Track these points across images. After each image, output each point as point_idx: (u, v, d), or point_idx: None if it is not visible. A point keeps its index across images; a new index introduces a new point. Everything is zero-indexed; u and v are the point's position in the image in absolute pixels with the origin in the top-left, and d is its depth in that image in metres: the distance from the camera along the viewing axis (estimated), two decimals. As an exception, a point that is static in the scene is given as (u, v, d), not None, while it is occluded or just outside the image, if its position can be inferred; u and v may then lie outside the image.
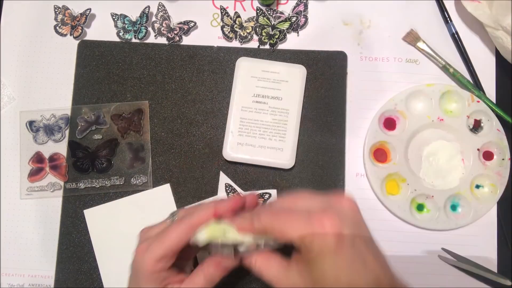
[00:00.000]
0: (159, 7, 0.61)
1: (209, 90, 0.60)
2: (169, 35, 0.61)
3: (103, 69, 0.61)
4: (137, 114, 0.59)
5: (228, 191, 0.58)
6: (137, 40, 0.61)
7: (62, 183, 0.59)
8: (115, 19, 0.62)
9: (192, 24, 0.61)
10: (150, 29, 0.62)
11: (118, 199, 0.58)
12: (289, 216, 0.37)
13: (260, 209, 0.41)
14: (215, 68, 0.61)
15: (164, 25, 0.61)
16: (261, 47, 0.61)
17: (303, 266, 0.37)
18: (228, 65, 0.61)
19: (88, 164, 0.59)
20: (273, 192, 0.58)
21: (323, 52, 0.61)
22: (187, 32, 0.61)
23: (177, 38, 0.61)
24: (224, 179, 0.58)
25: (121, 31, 0.61)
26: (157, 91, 0.60)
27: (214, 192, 0.58)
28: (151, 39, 0.62)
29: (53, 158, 0.59)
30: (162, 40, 0.62)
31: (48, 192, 0.59)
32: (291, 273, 0.38)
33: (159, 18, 0.61)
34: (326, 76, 0.60)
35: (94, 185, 0.58)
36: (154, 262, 0.41)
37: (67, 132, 0.60)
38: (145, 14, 0.61)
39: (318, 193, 0.39)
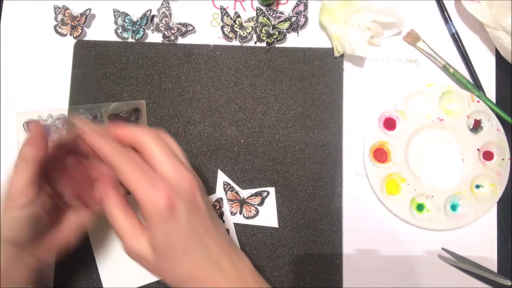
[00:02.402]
0: (164, 3, 0.61)
1: (206, 88, 0.60)
2: (166, 33, 0.61)
3: (100, 69, 0.61)
4: (134, 113, 0.59)
5: (226, 189, 0.58)
6: (133, 40, 0.61)
7: None
8: (116, 16, 0.62)
9: (190, 27, 0.61)
10: (148, 31, 0.62)
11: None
12: (139, 177, 0.37)
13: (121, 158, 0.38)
14: (212, 66, 0.61)
15: (163, 21, 0.61)
16: (258, 44, 0.61)
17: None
18: (225, 64, 0.61)
19: None
20: (271, 190, 0.58)
21: (320, 49, 0.61)
22: (184, 34, 0.61)
23: (173, 38, 0.61)
24: (222, 177, 0.58)
25: (120, 28, 0.61)
26: (154, 90, 0.60)
27: (212, 190, 0.58)
28: (148, 38, 0.62)
29: None
30: (158, 37, 0.62)
31: None
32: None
33: (160, 13, 0.61)
34: (323, 73, 0.60)
35: None
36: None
37: (64, 132, 0.60)
38: (146, 17, 0.61)
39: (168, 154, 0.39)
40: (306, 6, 0.62)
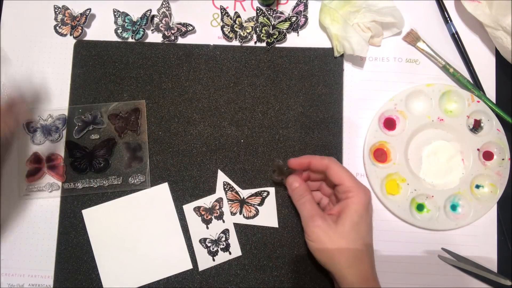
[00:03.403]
0: (164, 3, 0.61)
1: (205, 88, 0.60)
2: (166, 33, 0.61)
3: (100, 69, 0.61)
4: (134, 113, 0.59)
5: (226, 189, 0.58)
6: (133, 40, 0.61)
7: (60, 183, 0.59)
8: (117, 16, 0.62)
9: (190, 28, 0.61)
10: (148, 31, 0.62)
11: (116, 198, 0.58)
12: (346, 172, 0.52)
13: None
14: (212, 66, 0.61)
15: (163, 21, 0.61)
16: (258, 44, 0.61)
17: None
18: (225, 63, 0.61)
19: (86, 164, 0.59)
20: (271, 190, 0.58)
21: (320, 49, 0.61)
22: (184, 34, 0.61)
23: (173, 38, 0.61)
24: (222, 177, 0.58)
25: (120, 28, 0.61)
26: (154, 90, 0.60)
27: (212, 190, 0.58)
28: (148, 38, 0.62)
29: (50, 158, 0.59)
30: (158, 37, 0.62)
31: (46, 192, 0.59)
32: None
33: (160, 13, 0.61)
34: (323, 73, 0.60)
35: (92, 185, 0.58)
36: None
37: (64, 132, 0.60)
38: (146, 17, 0.61)
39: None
40: (306, 6, 0.62)
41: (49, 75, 0.61)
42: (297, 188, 0.53)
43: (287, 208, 0.58)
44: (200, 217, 0.58)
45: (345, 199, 0.50)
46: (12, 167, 0.59)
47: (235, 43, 0.61)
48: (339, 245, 0.48)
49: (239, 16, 0.61)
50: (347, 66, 0.61)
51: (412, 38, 0.61)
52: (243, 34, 0.61)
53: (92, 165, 0.59)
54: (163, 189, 0.58)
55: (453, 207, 0.58)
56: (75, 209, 0.58)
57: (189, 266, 0.57)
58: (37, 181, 0.59)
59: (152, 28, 0.62)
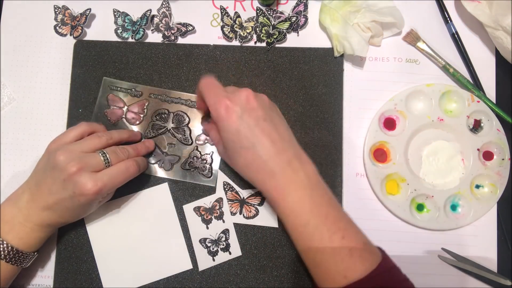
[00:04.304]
0: (164, 3, 0.61)
1: (207, 89, 0.60)
2: (166, 33, 0.61)
3: (100, 69, 0.61)
4: None
5: (226, 189, 0.58)
6: (133, 40, 0.61)
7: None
8: (117, 16, 0.62)
9: (190, 28, 0.61)
10: (148, 31, 0.62)
11: (116, 198, 0.58)
12: (211, 90, 0.51)
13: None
14: (212, 66, 0.61)
15: (163, 21, 0.61)
16: (258, 44, 0.61)
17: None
18: (225, 63, 0.61)
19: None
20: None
21: (320, 49, 0.61)
22: (184, 34, 0.61)
23: (173, 38, 0.61)
24: (222, 177, 0.58)
25: (120, 28, 0.61)
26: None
27: (212, 190, 0.58)
28: (148, 38, 0.62)
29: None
30: (158, 37, 0.62)
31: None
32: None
33: (160, 13, 0.61)
34: (323, 73, 0.60)
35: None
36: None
37: None
38: (146, 17, 0.61)
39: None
40: (306, 6, 0.61)
41: (49, 75, 0.61)
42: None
43: (287, 208, 0.58)
44: (200, 217, 0.58)
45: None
46: (14, 166, 0.59)
47: (235, 43, 0.61)
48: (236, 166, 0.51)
49: (239, 16, 0.61)
50: (347, 66, 0.61)
51: (412, 38, 0.61)
52: (243, 34, 0.61)
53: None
54: (163, 189, 0.58)
55: (453, 207, 0.58)
56: (75, 209, 0.58)
57: (189, 266, 0.57)
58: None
59: (152, 28, 0.62)
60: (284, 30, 0.61)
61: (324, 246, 0.45)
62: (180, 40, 0.62)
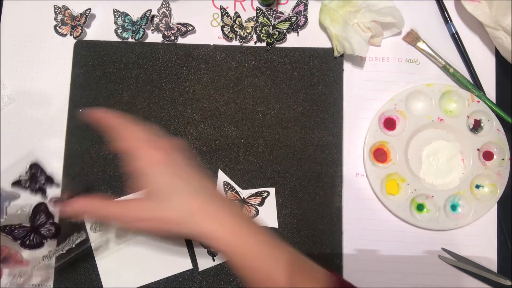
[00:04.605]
0: (164, 3, 0.61)
1: (206, 88, 0.60)
2: (166, 33, 0.61)
3: (100, 69, 0.61)
4: (33, 166, 0.54)
5: (226, 189, 0.58)
6: (133, 40, 0.61)
7: (28, 268, 0.55)
8: (117, 16, 0.62)
9: (190, 28, 0.61)
10: (148, 31, 0.62)
11: (116, 199, 0.58)
12: (132, 130, 0.47)
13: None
14: (212, 66, 0.61)
15: (163, 21, 0.61)
16: (258, 44, 0.61)
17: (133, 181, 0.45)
18: (225, 63, 0.61)
19: (37, 237, 0.54)
20: (272, 190, 0.58)
21: (320, 49, 0.61)
22: (184, 34, 0.61)
23: (173, 38, 0.61)
24: (222, 177, 0.58)
25: (120, 28, 0.61)
26: (154, 90, 0.60)
27: (212, 190, 0.58)
28: (148, 38, 0.62)
29: None
30: (158, 37, 0.62)
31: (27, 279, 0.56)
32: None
33: (160, 13, 0.61)
34: (323, 73, 0.60)
35: (61, 252, 0.54)
36: None
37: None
38: (146, 17, 0.61)
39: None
40: (306, 6, 0.61)
41: (49, 75, 0.61)
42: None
43: (287, 208, 0.58)
44: (200, 217, 0.58)
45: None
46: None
47: (235, 43, 0.61)
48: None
49: (239, 16, 0.61)
50: (347, 66, 0.61)
51: (412, 38, 0.61)
52: (243, 34, 0.61)
53: (43, 235, 0.54)
54: (163, 189, 0.58)
55: (453, 207, 0.58)
56: (75, 209, 0.58)
57: (189, 266, 0.57)
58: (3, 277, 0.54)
59: (152, 28, 0.62)
60: (284, 30, 0.61)
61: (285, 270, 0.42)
62: (180, 40, 0.62)
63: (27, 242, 0.54)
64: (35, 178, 0.53)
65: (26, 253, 0.54)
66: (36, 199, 0.54)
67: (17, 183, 0.53)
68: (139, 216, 0.44)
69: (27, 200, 0.54)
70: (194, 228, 0.43)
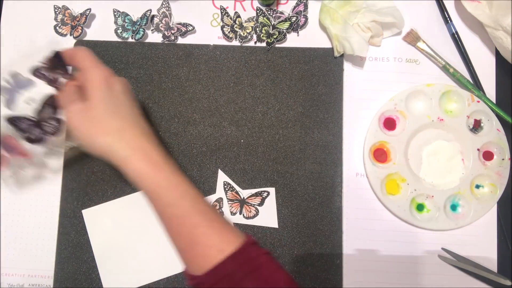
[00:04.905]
0: (164, 3, 0.61)
1: (206, 88, 0.60)
2: (166, 33, 0.61)
3: (100, 68, 0.61)
4: (56, 59, 0.52)
5: (226, 189, 0.58)
6: (133, 40, 0.61)
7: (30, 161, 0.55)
8: (116, 16, 0.62)
9: (190, 28, 0.61)
10: (148, 31, 0.62)
11: (116, 198, 0.58)
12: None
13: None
14: (212, 66, 0.61)
15: (163, 22, 0.61)
16: (258, 44, 0.61)
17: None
18: (225, 63, 0.61)
19: (41, 132, 0.53)
20: (271, 190, 0.58)
21: (320, 49, 0.61)
22: (184, 34, 0.61)
23: (173, 38, 0.61)
24: (222, 177, 0.58)
25: (120, 28, 0.61)
26: (154, 90, 0.60)
27: (212, 190, 0.58)
28: (148, 38, 0.62)
29: (3, 142, 0.54)
30: (158, 37, 0.62)
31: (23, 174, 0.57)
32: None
33: (160, 13, 0.61)
34: (323, 73, 0.60)
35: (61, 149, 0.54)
36: None
37: None
38: (146, 17, 0.61)
39: None
40: (306, 6, 0.61)
41: (49, 75, 0.61)
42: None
43: (287, 208, 0.58)
44: (200, 217, 0.58)
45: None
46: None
47: (235, 43, 0.61)
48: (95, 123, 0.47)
49: (239, 16, 0.61)
50: (347, 66, 0.61)
51: (412, 38, 0.61)
52: (243, 34, 0.61)
53: (46, 131, 0.53)
54: (163, 189, 0.58)
55: (453, 207, 0.58)
56: (75, 209, 0.58)
57: (189, 266, 0.57)
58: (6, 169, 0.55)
59: (152, 28, 0.62)
60: (284, 30, 0.61)
61: (201, 220, 0.45)
62: (180, 40, 0.62)
63: (30, 135, 0.53)
64: (55, 66, 0.51)
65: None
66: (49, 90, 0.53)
67: (36, 71, 0.51)
68: (71, 108, 0.47)
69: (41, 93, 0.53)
70: (108, 147, 0.46)
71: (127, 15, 0.62)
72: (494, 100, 0.60)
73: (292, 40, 0.61)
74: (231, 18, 0.61)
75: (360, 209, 0.58)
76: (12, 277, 0.58)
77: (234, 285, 0.42)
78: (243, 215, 0.58)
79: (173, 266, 0.57)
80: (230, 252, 0.43)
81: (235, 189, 0.58)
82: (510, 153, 0.58)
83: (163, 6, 0.62)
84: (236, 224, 0.58)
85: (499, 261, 0.57)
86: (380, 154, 0.59)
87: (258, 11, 0.61)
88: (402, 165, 0.58)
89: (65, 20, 0.62)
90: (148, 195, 0.46)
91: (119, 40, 0.62)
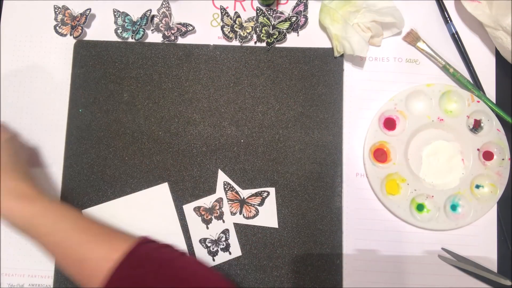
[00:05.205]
0: (164, 3, 0.61)
1: (206, 88, 0.60)
2: (166, 33, 0.61)
3: (100, 69, 0.61)
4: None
5: (226, 189, 0.58)
6: (133, 40, 0.61)
7: None
8: (116, 16, 0.62)
9: (190, 28, 0.61)
10: (148, 31, 0.62)
11: (116, 198, 0.58)
12: None
13: None
14: (212, 66, 0.61)
15: (163, 22, 0.61)
16: (258, 44, 0.61)
17: None
18: (225, 63, 0.61)
19: None
20: (271, 190, 0.58)
21: (320, 49, 0.61)
22: (184, 34, 0.61)
23: (173, 38, 0.61)
24: (222, 177, 0.58)
25: (120, 28, 0.61)
26: (154, 90, 0.60)
27: (212, 190, 0.58)
28: (148, 38, 0.62)
29: None
30: (158, 37, 0.62)
31: None
32: None
33: (160, 13, 0.61)
34: (323, 73, 0.60)
35: None
36: None
37: None
38: (146, 17, 0.61)
39: None
40: (306, 6, 0.61)
41: (49, 75, 0.61)
42: None
43: (287, 208, 0.58)
44: (200, 217, 0.58)
45: None
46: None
47: (235, 43, 0.61)
48: None
49: (239, 16, 0.61)
50: (347, 66, 0.61)
51: (412, 38, 0.61)
52: (243, 34, 0.61)
53: None
54: (163, 189, 0.58)
55: (453, 207, 0.58)
56: (75, 209, 0.58)
57: (189, 266, 0.57)
58: None
59: (152, 28, 0.62)
60: (284, 30, 0.61)
61: (84, 237, 0.46)
62: (180, 40, 0.62)
63: None
64: None
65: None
66: None
67: None
68: None
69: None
70: None
71: (127, 15, 0.62)
72: (494, 100, 0.60)
73: (292, 40, 0.61)
74: (231, 18, 0.61)
75: (360, 209, 0.58)
76: (12, 277, 0.58)
77: (138, 285, 0.43)
78: (243, 215, 0.58)
79: (173, 266, 0.57)
80: (118, 257, 0.44)
81: (235, 189, 0.58)
82: (510, 153, 0.58)
83: (163, 6, 0.62)
84: (236, 224, 0.58)
85: (499, 261, 0.57)
86: (380, 154, 0.59)
87: (258, 11, 0.61)
88: (402, 165, 0.58)
89: (65, 20, 0.62)
90: (27, 232, 0.47)
91: (119, 40, 0.62)
